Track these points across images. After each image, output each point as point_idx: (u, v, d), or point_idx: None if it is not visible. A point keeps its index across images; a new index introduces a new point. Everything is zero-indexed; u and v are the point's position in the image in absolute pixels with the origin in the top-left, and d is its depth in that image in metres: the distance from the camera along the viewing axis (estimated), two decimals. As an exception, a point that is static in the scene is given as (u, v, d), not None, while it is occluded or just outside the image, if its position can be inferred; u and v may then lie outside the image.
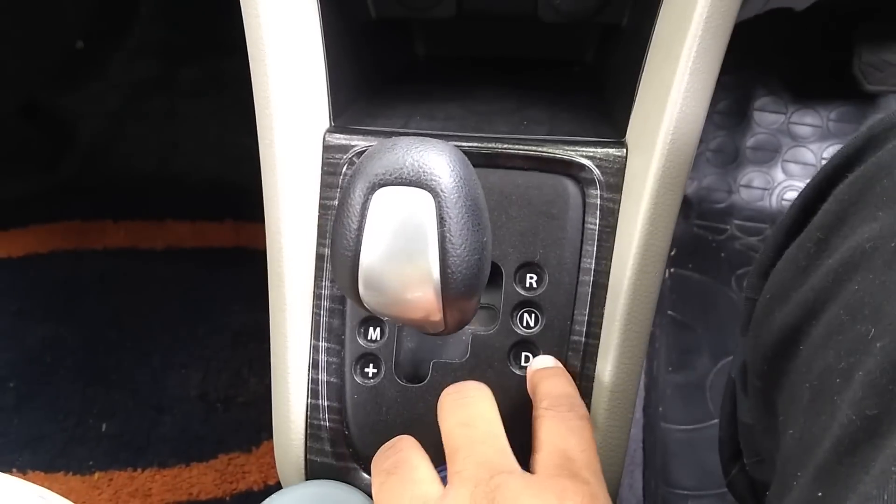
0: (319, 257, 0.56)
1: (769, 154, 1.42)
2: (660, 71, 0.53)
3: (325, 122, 0.57)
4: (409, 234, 0.35)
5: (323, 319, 0.55)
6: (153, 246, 1.42)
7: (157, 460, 1.14)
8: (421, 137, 0.37)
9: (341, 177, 0.56)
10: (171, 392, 1.22)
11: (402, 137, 0.37)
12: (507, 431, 0.53)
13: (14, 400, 1.22)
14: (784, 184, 1.42)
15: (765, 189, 1.43)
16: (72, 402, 1.21)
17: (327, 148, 0.56)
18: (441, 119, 0.59)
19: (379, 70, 0.70)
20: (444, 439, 0.45)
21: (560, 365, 0.53)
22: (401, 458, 0.45)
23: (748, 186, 1.43)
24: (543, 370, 0.52)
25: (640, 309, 0.52)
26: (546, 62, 0.77)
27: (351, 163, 0.56)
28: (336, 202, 0.56)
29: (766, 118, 1.42)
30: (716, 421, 1.22)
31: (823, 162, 1.38)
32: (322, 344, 0.55)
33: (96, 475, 1.13)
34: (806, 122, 1.41)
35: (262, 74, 0.55)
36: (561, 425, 0.46)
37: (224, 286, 1.35)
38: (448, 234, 0.35)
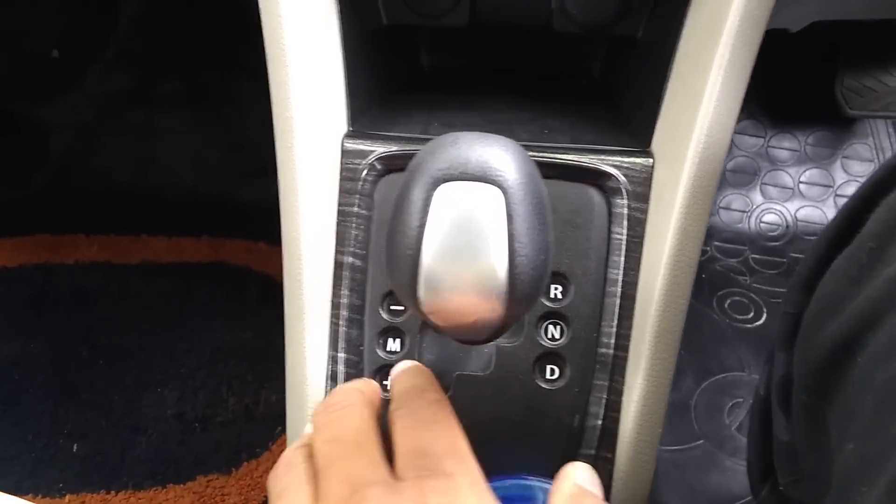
0: (338, 265, 0.54)
1: (748, 177, 1.44)
2: (688, 81, 0.52)
3: (342, 126, 0.56)
4: (474, 231, 0.33)
5: (341, 329, 0.53)
6: (128, 261, 1.38)
7: (131, 482, 1.09)
8: (481, 132, 0.35)
9: (360, 182, 0.54)
10: (146, 411, 1.17)
11: (462, 132, 0.35)
12: (535, 446, 0.52)
13: (-20, 419, 1.17)
14: (762, 206, 1.43)
15: (743, 212, 1.44)
16: (41, 422, 1.16)
17: (346, 153, 0.55)
18: (459, 126, 0.58)
19: (388, 78, 0.68)
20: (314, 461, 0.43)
21: (417, 363, 0.49)
22: (289, 481, 0.42)
23: (727, 209, 1.44)
24: (399, 373, 0.49)
25: (672, 321, 0.51)
26: (550, 74, 0.77)
27: (371, 168, 0.54)
28: (355, 208, 0.54)
29: (746, 141, 1.44)
30: (701, 441, 1.22)
31: (801, 185, 1.40)
32: (340, 355, 0.53)
33: (67, 498, 1.08)
34: (784, 146, 1.43)
35: (281, 75, 0.53)
36: (409, 420, 0.44)
37: (202, 303, 1.31)
38: (516, 233, 0.33)
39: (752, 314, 1.22)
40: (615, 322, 0.52)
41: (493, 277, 0.34)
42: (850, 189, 1.34)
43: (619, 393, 0.51)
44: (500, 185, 0.33)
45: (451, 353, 0.53)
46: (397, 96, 0.67)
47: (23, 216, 1.42)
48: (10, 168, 1.49)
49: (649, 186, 0.53)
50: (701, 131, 0.50)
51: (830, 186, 1.34)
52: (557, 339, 0.52)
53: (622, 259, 0.53)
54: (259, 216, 1.43)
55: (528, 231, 0.34)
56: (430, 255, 0.34)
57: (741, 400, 1.10)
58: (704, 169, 0.50)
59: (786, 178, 1.44)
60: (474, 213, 0.33)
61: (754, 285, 1.29)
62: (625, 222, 0.53)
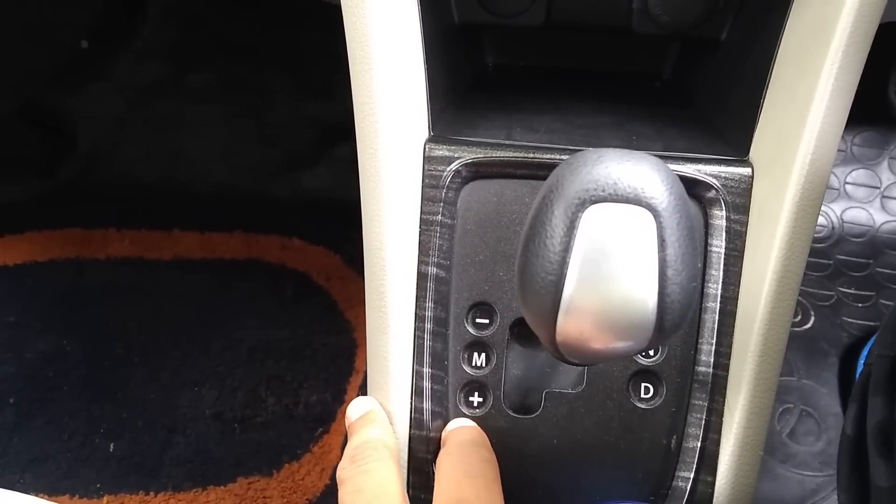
0: (421, 276, 0.51)
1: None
2: (791, 88, 0.50)
3: (424, 131, 0.53)
4: (623, 257, 0.31)
5: (426, 343, 0.51)
6: (160, 256, 1.36)
7: (170, 483, 1.08)
8: (625, 150, 0.33)
9: (444, 190, 0.52)
10: (183, 411, 1.16)
11: (605, 149, 0.33)
12: (629, 467, 0.50)
13: (14, 417, 1.15)
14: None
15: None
16: (76, 421, 1.15)
17: (429, 159, 0.52)
18: (543, 131, 0.56)
19: (458, 78, 0.66)
20: None
21: (478, 427, 0.50)
22: None
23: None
24: (456, 428, 0.50)
25: (777, 339, 0.48)
26: (617, 74, 0.74)
27: (456, 174, 0.52)
28: (439, 216, 0.52)
29: (789, 140, 1.41)
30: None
31: (847, 186, 1.37)
32: (426, 370, 0.51)
33: (105, 499, 1.07)
34: (828, 145, 1.39)
35: (366, 78, 0.50)
36: (458, 469, 0.46)
37: (237, 300, 1.29)
38: (669, 259, 0.31)
39: (799, 317, 1.19)
40: (714, 339, 0.50)
41: (642, 307, 0.31)
42: (898, 190, 1.31)
43: (720, 413, 0.49)
44: (651, 209, 0.31)
45: (538, 368, 0.51)
46: (470, 97, 0.64)
47: (52, 210, 1.41)
48: (35, 160, 1.47)
49: (749, 197, 0.51)
50: (809, 142, 0.48)
51: (877, 188, 1.31)
52: (652, 357, 0.50)
53: (721, 273, 0.50)
54: (292, 211, 1.42)
55: (682, 257, 0.31)
56: (573, 281, 0.31)
57: (791, 405, 1.08)
58: (812, 181, 0.48)
59: (832, 178, 1.41)
60: (624, 239, 0.31)
61: (801, 288, 1.26)
62: (723, 235, 0.50)
